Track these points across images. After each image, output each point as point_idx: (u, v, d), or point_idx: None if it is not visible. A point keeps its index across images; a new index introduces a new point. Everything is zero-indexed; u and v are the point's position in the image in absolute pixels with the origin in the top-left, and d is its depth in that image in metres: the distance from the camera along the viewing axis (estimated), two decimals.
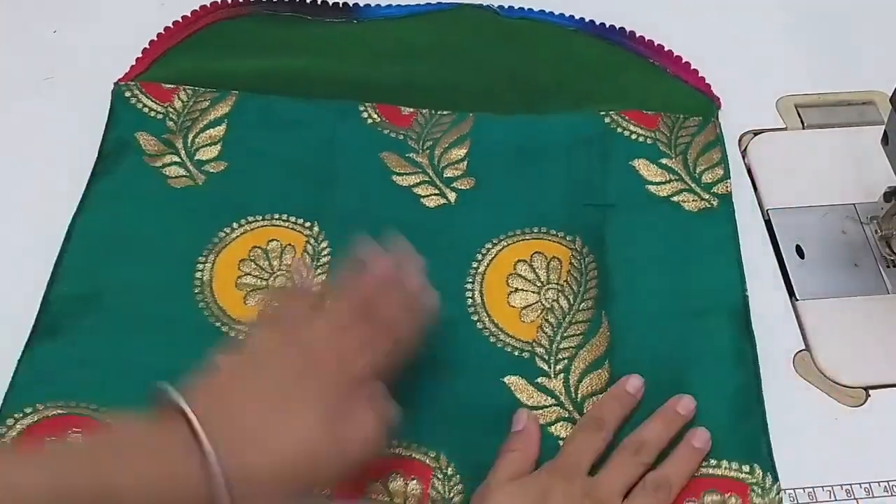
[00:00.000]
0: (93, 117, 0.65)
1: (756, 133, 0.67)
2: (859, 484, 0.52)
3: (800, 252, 0.61)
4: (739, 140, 0.66)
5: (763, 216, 0.63)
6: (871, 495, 0.52)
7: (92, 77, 0.68)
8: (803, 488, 0.52)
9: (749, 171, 0.65)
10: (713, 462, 0.52)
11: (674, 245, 0.60)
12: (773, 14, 0.74)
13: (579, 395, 0.54)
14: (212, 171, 0.62)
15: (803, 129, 0.67)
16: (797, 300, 0.59)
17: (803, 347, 0.57)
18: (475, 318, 0.57)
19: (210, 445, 0.39)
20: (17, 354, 0.54)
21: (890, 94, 0.53)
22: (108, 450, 0.40)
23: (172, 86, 0.66)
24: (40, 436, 0.51)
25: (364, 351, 0.46)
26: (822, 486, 0.52)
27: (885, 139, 0.56)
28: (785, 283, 0.60)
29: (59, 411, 0.52)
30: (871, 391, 0.56)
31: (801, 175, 0.64)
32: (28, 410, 0.52)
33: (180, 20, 0.70)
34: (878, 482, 0.52)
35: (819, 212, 0.63)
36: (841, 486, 0.52)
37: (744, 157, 0.66)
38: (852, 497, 0.52)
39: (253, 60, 0.69)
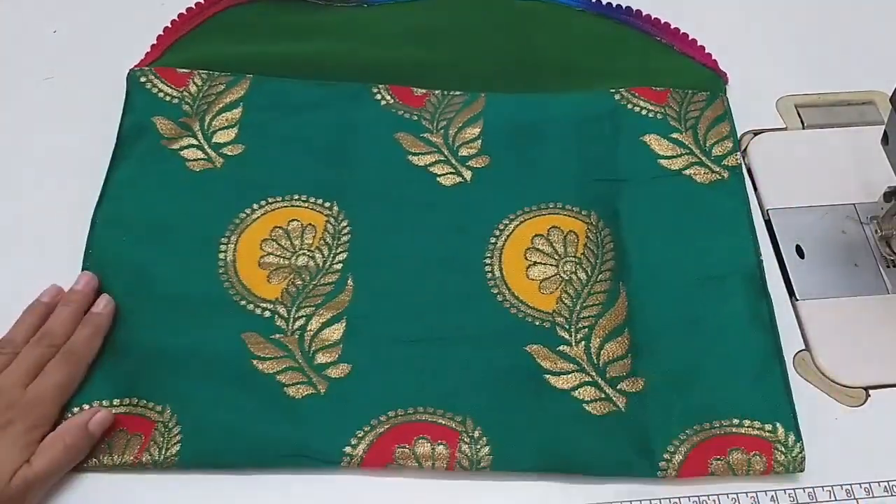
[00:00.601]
0: (93, 117, 0.65)
1: (756, 133, 0.67)
2: (859, 484, 0.52)
3: (800, 252, 0.61)
4: (739, 140, 0.66)
5: (763, 216, 0.63)
6: (871, 495, 0.52)
7: (92, 77, 0.68)
8: (803, 488, 0.52)
9: (749, 171, 0.65)
10: (735, 421, 0.53)
11: (687, 215, 0.61)
12: (774, 14, 0.74)
13: (601, 361, 0.55)
14: (230, 153, 0.63)
15: (803, 129, 0.67)
16: (797, 300, 0.59)
17: (803, 347, 0.57)
18: (495, 291, 0.58)
19: None
20: None
21: (890, 94, 0.53)
22: None
23: (187, 70, 0.66)
24: None
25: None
26: (822, 486, 0.52)
27: (885, 139, 0.56)
28: (785, 283, 0.60)
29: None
30: (871, 391, 0.56)
31: (801, 175, 0.64)
32: (75, 411, 0.53)
33: (194, 7, 0.71)
34: (878, 482, 0.52)
35: (819, 212, 0.63)
36: (841, 486, 0.52)
37: (744, 157, 0.66)
38: (852, 497, 0.52)
39: (264, 46, 0.69)
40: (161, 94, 0.65)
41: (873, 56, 0.71)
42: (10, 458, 0.48)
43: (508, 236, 0.61)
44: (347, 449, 0.52)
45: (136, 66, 0.67)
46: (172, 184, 0.62)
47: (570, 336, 0.57)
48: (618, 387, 0.55)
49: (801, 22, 0.74)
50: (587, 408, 0.54)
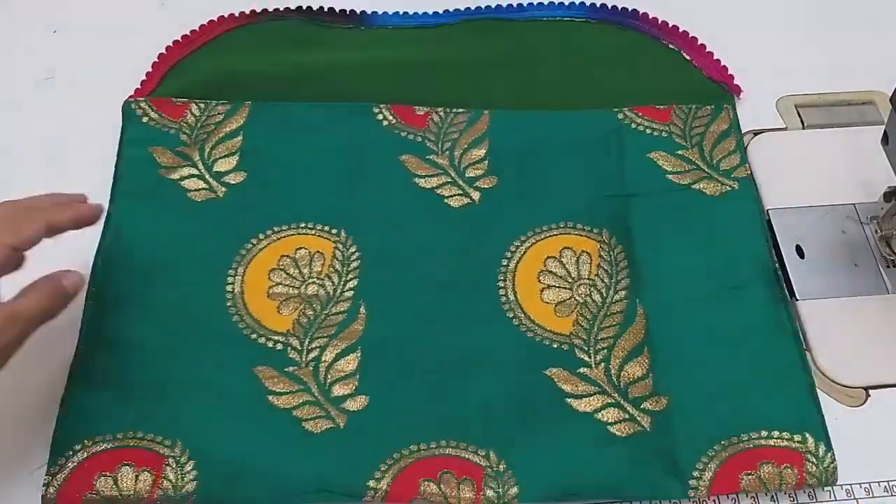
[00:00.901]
0: (93, 117, 0.65)
1: (756, 133, 0.67)
2: (859, 484, 0.52)
3: (800, 252, 0.61)
4: None
5: (763, 216, 0.63)
6: (871, 495, 0.52)
7: (92, 77, 0.68)
8: (803, 488, 0.52)
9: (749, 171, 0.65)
10: (764, 433, 0.52)
11: (700, 227, 0.61)
12: (773, 14, 0.74)
13: (622, 383, 0.55)
14: (232, 182, 0.62)
15: (803, 129, 0.67)
16: (797, 300, 0.59)
17: (804, 347, 0.57)
18: (511, 315, 0.58)
19: None
20: (58, 388, 0.54)
21: (890, 94, 0.53)
22: None
23: (183, 101, 0.65)
24: (91, 472, 0.51)
25: None
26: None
27: (885, 139, 0.56)
28: (785, 282, 0.60)
29: (107, 446, 0.52)
30: (871, 391, 0.56)
31: (801, 175, 0.64)
32: (77, 447, 0.52)
33: (189, 34, 0.70)
34: (878, 482, 0.52)
35: (819, 212, 0.63)
36: (841, 486, 0.52)
37: None
38: (852, 497, 0.52)
39: (264, 66, 0.68)
40: (157, 126, 0.64)
41: (873, 56, 0.71)
42: None
43: (521, 258, 0.60)
44: (371, 483, 0.51)
45: (131, 97, 0.66)
46: (174, 215, 0.61)
47: (590, 358, 0.56)
48: (641, 406, 0.54)
49: (802, 22, 0.74)
50: (612, 430, 0.53)
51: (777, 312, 0.57)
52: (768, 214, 0.63)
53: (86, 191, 0.61)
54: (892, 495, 0.52)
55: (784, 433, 0.52)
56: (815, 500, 0.52)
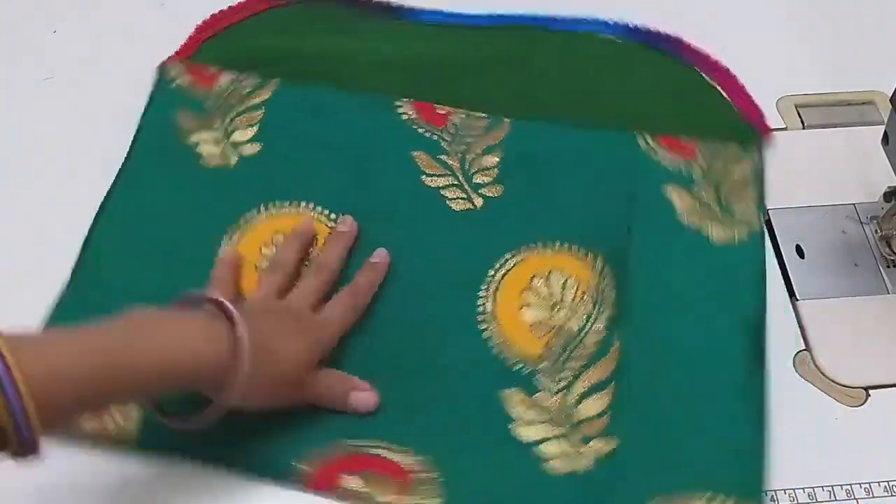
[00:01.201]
0: (93, 117, 0.65)
1: None
2: (859, 484, 0.52)
3: (800, 252, 0.61)
4: None
5: (763, 216, 0.63)
6: (871, 495, 0.52)
7: (92, 77, 0.68)
8: (803, 488, 0.52)
9: None
10: (709, 494, 0.50)
11: (698, 274, 0.58)
12: (773, 14, 0.74)
13: (575, 418, 0.53)
14: (246, 153, 0.63)
15: (803, 129, 0.67)
16: (797, 300, 0.59)
17: (803, 347, 0.57)
18: (483, 326, 0.56)
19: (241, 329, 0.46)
20: None
21: (890, 94, 0.54)
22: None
23: (217, 69, 0.67)
24: None
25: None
26: (822, 486, 0.52)
27: (885, 139, 0.57)
28: (785, 283, 0.60)
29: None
30: (871, 391, 0.56)
31: (801, 175, 0.64)
32: None
33: (226, 9, 0.72)
34: (878, 482, 0.52)
35: (819, 212, 0.63)
36: (841, 486, 0.52)
37: None
38: (852, 497, 0.52)
39: (297, 44, 0.70)
40: (186, 90, 0.66)
41: (873, 56, 0.71)
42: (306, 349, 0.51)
43: (508, 272, 0.59)
44: (299, 464, 0.50)
45: (169, 59, 0.67)
46: (183, 177, 0.62)
47: (552, 384, 0.54)
48: (588, 444, 0.52)
49: (802, 22, 0.74)
50: (551, 463, 0.51)
51: (751, 379, 0.54)
52: (768, 214, 0.63)
53: (85, 191, 0.62)
54: (892, 495, 0.52)
55: (720, 495, 0.50)
56: (815, 500, 0.52)
